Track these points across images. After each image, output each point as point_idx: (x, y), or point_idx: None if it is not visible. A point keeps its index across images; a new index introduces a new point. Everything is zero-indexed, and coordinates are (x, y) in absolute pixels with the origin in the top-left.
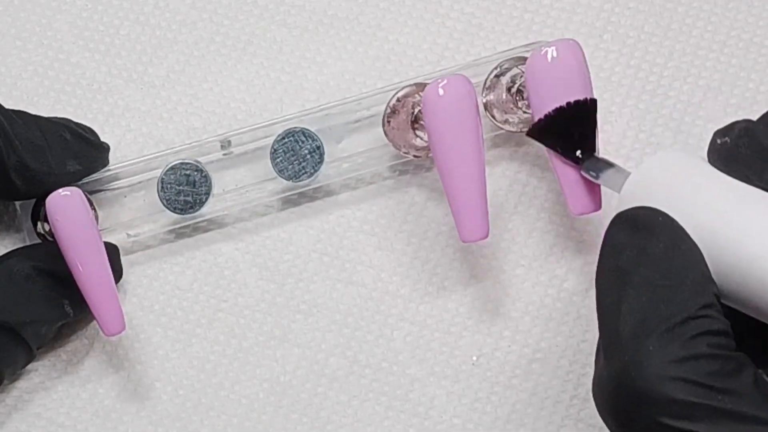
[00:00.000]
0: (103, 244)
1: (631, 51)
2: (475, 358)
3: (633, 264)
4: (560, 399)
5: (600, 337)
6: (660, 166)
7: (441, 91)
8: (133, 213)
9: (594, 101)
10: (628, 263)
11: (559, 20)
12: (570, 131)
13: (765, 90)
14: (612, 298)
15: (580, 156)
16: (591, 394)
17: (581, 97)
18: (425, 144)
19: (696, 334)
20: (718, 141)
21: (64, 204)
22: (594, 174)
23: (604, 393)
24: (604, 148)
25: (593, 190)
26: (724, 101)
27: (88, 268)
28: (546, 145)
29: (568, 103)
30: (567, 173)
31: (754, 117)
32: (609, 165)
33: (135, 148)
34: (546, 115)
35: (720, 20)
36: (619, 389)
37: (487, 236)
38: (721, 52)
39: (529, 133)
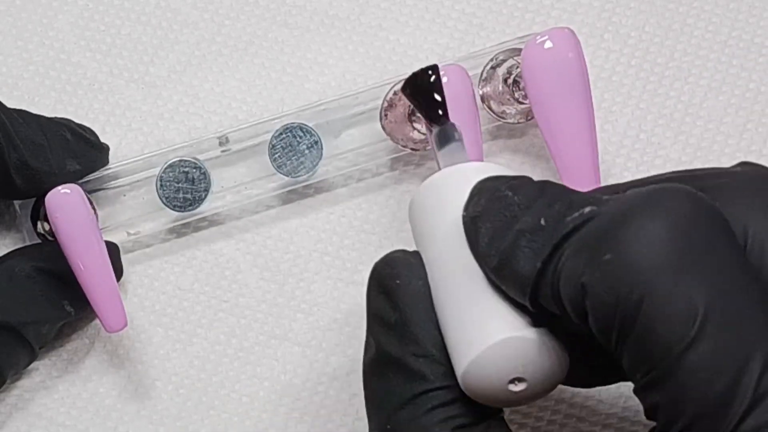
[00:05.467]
0: (102, 239)
1: (632, 51)
2: None
3: (377, 335)
4: (563, 395)
5: None
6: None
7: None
8: (132, 211)
9: (435, 67)
10: (375, 335)
11: (560, 20)
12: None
13: (766, 90)
14: (367, 359)
15: (439, 117)
16: (596, 390)
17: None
18: (423, 137)
19: (428, 409)
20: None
21: (64, 200)
22: (439, 143)
23: None
24: (604, 147)
25: (590, 171)
26: (725, 101)
27: (89, 264)
28: (414, 102)
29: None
30: (563, 156)
31: (755, 118)
32: (456, 141)
33: (136, 148)
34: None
35: (721, 21)
36: None
37: None
38: (722, 53)
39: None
